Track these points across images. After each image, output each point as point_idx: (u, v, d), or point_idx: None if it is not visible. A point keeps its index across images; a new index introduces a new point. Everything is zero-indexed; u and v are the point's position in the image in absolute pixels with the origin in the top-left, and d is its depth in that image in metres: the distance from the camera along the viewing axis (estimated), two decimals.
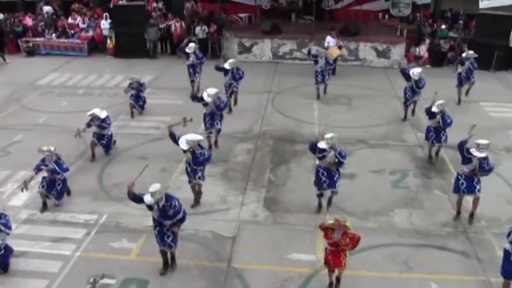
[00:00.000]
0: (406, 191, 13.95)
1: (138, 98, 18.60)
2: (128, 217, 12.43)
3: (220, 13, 28.49)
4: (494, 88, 22.90)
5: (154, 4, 30.19)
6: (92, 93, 21.47)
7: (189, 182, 12.89)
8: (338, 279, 10.11)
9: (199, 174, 12.75)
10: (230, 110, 18.67)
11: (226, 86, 18.62)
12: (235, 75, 18.53)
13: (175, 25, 27.12)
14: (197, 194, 13.01)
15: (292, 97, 20.99)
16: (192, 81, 20.51)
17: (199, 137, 12.66)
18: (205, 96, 15.35)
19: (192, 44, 21.07)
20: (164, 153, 15.52)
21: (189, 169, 12.74)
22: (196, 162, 12.51)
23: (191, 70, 20.39)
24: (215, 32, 26.94)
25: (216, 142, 16.06)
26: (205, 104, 15.51)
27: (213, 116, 15.65)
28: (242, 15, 29.09)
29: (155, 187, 9.79)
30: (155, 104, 19.51)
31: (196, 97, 15.94)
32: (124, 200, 12.95)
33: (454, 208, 12.86)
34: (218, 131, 15.98)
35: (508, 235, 9.50)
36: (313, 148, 12.29)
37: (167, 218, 10.03)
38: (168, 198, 10.00)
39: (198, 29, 26.49)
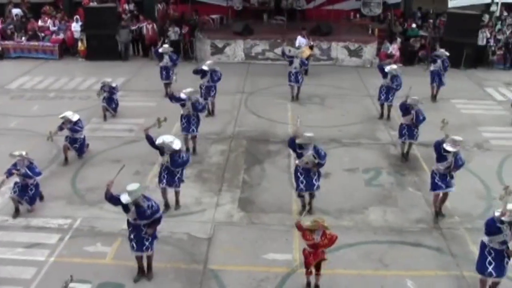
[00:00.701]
0: (380, 189, 14.06)
1: (110, 101, 18.47)
2: (103, 221, 12.33)
3: (191, 15, 28.40)
4: (464, 85, 23.23)
5: (126, 6, 29.98)
6: (64, 96, 21.23)
7: (161, 184, 12.59)
8: (317, 287, 10.15)
9: (176, 182, 12.49)
10: (210, 112, 18.59)
11: (201, 87, 18.40)
12: (214, 77, 18.40)
13: (147, 27, 26.97)
14: (176, 203, 12.85)
15: (265, 98, 21.02)
16: (166, 84, 20.30)
17: (176, 142, 12.30)
18: (182, 95, 15.21)
19: (166, 46, 20.98)
20: (138, 156, 15.45)
21: (164, 173, 12.49)
22: (174, 164, 12.29)
23: (164, 72, 20.27)
24: (187, 33, 26.85)
25: (194, 149, 15.77)
26: (183, 105, 15.29)
27: (189, 119, 15.38)
28: (214, 16, 29.03)
29: (132, 186, 9.71)
30: (128, 107, 19.40)
31: (174, 97, 15.49)
32: (98, 203, 12.95)
33: (428, 205, 13.00)
34: (194, 137, 15.69)
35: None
36: (292, 144, 12.24)
37: (144, 218, 9.88)
38: (146, 198, 9.91)
39: (170, 31, 26.37)
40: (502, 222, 9.33)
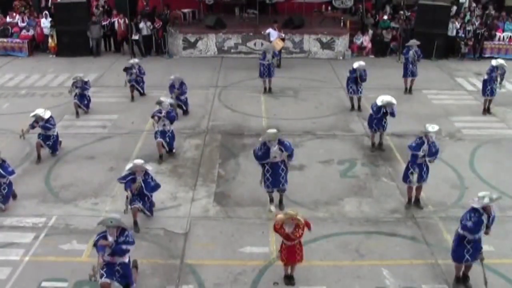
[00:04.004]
0: (355, 180, 14.16)
1: (82, 97, 18.30)
2: (78, 218, 12.22)
3: (163, 9, 28.23)
4: (436, 76, 23.51)
5: (96, 1, 29.69)
6: (35, 93, 20.99)
7: (131, 205, 11.68)
8: (292, 277, 10.16)
9: (148, 205, 12.05)
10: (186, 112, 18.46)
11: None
12: (184, 91, 18.11)
13: (119, 22, 26.75)
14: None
15: (239, 91, 21.03)
16: (133, 86, 20.01)
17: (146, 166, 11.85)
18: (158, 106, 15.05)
19: (134, 60, 20.61)
20: (112, 152, 15.38)
21: (137, 198, 11.76)
22: (148, 187, 11.77)
23: (133, 83, 19.94)
24: (160, 28, 26.68)
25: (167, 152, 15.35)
26: (158, 118, 14.88)
27: (164, 133, 14.99)
28: (185, 10, 28.88)
29: (114, 216, 9.48)
30: (100, 103, 19.25)
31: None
32: (73, 201, 12.90)
33: (402, 195, 13.13)
34: (170, 150, 15.31)
35: (462, 220, 9.72)
36: (257, 156, 12.14)
37: (119, 254, 9.33)
38: (123, 230, 9.41)
39: (142, 26, 26.17)
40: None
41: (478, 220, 9.50)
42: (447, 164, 14.78)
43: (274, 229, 9.73)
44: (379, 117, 15.27)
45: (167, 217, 12.36)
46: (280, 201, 12.68)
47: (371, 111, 15.48)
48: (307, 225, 9.75)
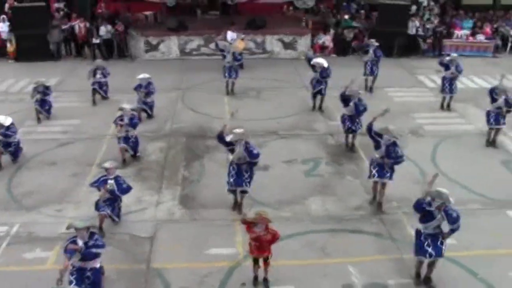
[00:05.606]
0: (319, 179, 14.25)
1: (44, 103, 18.02)
2: (41, 226, 12.04)
3: (124, 12, 27.98)
4: (397, 74, 23.80)
5: (56, 5, 29.26)
6: None
7: (99, 211, 11.74)
8: (266, 280, 10.19)
9: (117, 210, 12.03)
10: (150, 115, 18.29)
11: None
12: (150, 91, 17.93)
13: (79, 26, 26.41)
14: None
15: (202, 93, 20.96)
16: (93, 91, 19.81)
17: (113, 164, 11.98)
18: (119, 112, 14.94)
19: (99, 60, 20.36)
20: (74, 157, 15.22)
21: (107, 203, 11.75)
22: (120, 188, 11.80)
23: (96, 86, 19.73)
24: (122, 31, 26.45)
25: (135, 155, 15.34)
26: (121, 126, 14.76)
27: (127, 138, 14.89)
28: (147, 13, 28.71)
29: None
30: (62, 108, 18.96)
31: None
32: (35, 208, 12.71)
33: (367, 193, 13.27)
34: (134, 154, 15.26)
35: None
36: (220, 139, 12.22)
37: (89, 258, 9.27)
38: (92, 234, 9.35)
39: (102, 29, 25.89)
40: (430, 204, 9.66)
41: (429, 212, 9.75)
42: (410, 160, 14.93)
43: (245, 226, 9.76)
44: (350, 116, 15.38)
45: (132, 222, 12.29)
46: (240, 203, 12.62)
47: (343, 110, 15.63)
48: (274, 236, 9.77)
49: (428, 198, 9.82)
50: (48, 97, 18.18)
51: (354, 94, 15.17)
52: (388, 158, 12.29)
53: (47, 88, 18.10)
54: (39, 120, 17.99)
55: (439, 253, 9.91)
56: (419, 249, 10.02)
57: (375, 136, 12.31)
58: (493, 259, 11.01)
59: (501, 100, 15.68)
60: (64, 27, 26.56)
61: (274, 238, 9.75)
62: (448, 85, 18.85)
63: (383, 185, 12.68)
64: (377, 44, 20.63)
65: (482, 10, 30.28)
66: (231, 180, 12.28)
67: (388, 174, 12.53)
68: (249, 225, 9.66)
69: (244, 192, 12.55)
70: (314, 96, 18.83)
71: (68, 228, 9.31)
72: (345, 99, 15.29)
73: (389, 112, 12.94)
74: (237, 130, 11.99)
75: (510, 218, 12.61)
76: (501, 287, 10.27)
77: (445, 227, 9.86)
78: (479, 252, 11.23)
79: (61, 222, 11.13)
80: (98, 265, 9.43)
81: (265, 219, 9.53)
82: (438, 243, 9.87)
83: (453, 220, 9.70)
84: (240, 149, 11.95)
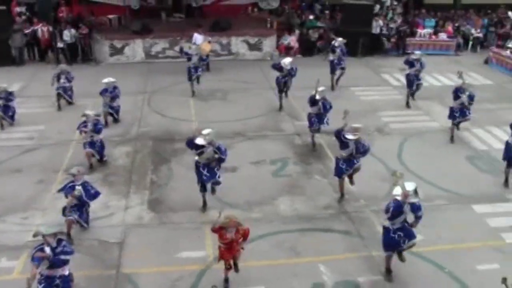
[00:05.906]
0: (288, 179, 14.28)
1: (7, 109, 17.69)
2: (6, 234, 11.78)
3: (88, 16, 27.67)
4: (362, 73, 24.00)
5: (18, 9, 28.78)
6: None
7: (67, 217, 11.55)
8: (235, 265, 10.11)
9: (85, 215, 11.87)
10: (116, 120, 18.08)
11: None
12: (115, 95, 17.72)
13: (42, 30, 26.01)
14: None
15: (168, 96, 20.83)
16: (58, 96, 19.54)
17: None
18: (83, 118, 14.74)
19: (63, 65, 20.08)
20: (40, 164, 14.97)
21: (74, 209, 11.61)
22: (87, 194, 11.69)
23: (61, 91, 19.44)
24: (86, 35, 26.13)
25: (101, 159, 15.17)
26: (85, 133, 14.66)
27: (93, 143, 14.71)
28: (111, 16, 28.41)
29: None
30: (26, 114, 18.62)
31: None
32: (0, 216, 12.40)
33: (335, 191, 13.34)
34: (100, 159, 15.07)
35: (386, 211, 9.95)
36: (190, 144, 12.19)
37: (58, 266, 9.09)
38: (60, 241, 9.16)
39: (66, 33, 25.54)
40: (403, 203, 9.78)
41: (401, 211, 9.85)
42: (377, 158, 15.11)
43: (215, 232, 9.71)
44: (317, 114, 15.44)
45: (100, 227, 12.13)
46: (213, 189, 12.69)
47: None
48: (245, 233, 9.78)
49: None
50: (11, 103, 17.84)
51: (322, 95, 15.26)
52: (358, 153, 12.45)
53: (10, 93, 17.76)
54: (2, 126, 17.65)
55: (413, 236, 10.05)
56: (394, 244, 10.11)
57: (344, 139, 12.38)
58: (460, 253, 11.19)
59: (464, 97, 15.92)
60: (26, 31, 26.12)
61: (245, 235, 9.75)
62: (413, 81, 19.10)
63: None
64: (344, 41, 20.93)
65: (444, 9, 30.80)
66: (204, 178, 12.24)
67: (357, 162, 12.72)
68: (220, 232, 9.62)
69: (217, 183, 12.54)
70: (281, 96, 18.94)
71: (35, 235, 9.14)
72: (313, 101, 15.35)
73: (348, 114, 12.93)
74: (206, 131, 11.95)
75: (476, 213, 12.80)
76: (468, 280, 10.41)
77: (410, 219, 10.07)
78: (446, 246, 11.39)
79: (27, 230, 10.94)
80: (67, 272, 9.28)
81: (235, 223, 9.52)
82: (408, 230, 10.02)
83: (416, 208, 9.93)
84: (210, 150, 11.94)
